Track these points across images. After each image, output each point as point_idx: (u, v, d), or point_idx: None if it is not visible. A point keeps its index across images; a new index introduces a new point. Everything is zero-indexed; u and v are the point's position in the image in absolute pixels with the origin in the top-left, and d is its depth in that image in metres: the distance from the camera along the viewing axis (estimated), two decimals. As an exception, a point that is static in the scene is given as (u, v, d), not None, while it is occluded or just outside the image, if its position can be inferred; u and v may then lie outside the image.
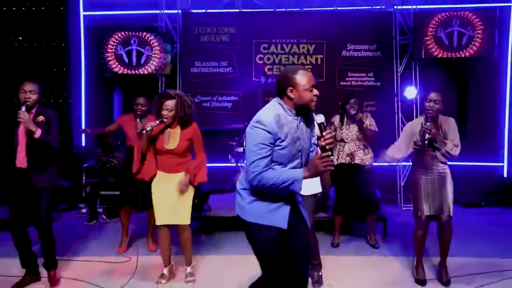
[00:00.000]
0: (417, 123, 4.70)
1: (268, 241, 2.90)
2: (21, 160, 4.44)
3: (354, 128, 5.83)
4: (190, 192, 4.75)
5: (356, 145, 5.84)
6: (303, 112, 2.98)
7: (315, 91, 2.93)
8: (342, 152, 5.87)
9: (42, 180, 4.51)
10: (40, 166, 4.50)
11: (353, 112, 5.75)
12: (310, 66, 8.92)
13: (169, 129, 4.67)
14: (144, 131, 4.59)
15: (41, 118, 4.50)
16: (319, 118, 2.86)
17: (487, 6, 8.75)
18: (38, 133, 4.35)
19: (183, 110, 4.59)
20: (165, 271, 4.80)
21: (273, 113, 2.86)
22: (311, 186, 4.39)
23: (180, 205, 4.68)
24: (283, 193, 2.89)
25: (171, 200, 4.65)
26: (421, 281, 4.63)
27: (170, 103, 4.58)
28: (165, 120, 4.59)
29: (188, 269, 4.84)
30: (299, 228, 3.05)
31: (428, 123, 4.47)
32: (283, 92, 2.92)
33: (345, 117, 5.88)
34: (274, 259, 2.93)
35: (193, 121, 4.75)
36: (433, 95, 4.58)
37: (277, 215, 2.89)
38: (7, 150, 4.47)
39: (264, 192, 2.87)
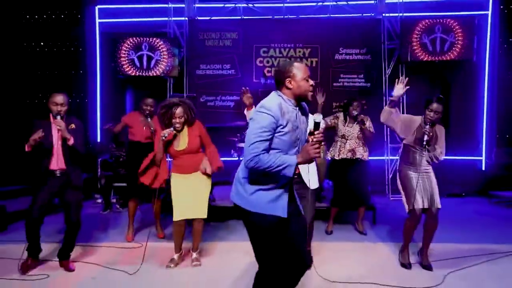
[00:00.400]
0: (417, 120, 4.60)
1: (269, 230, 2.83)
2: (57, 162, 4.42)
3: (355, 127, 5.84)
4: (208, 187, 4.74)
5: (357, 143, 5.84)
6: (300, 102, 2.94)
7: (311, 81, 2.90)
8: (343, 149, 5.85)
9: (76, 180, 4.55)
10: (75, 168, 4.53)
11: (355, 113, 5.76)
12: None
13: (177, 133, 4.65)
14: (163, 138, 4.49)
15: (73, 126, 4.52)
16: (318, 118, 2.83)
17: (467, 14, 8.73)
18: (72, 140, 4.40)
19: (192, 112, 4.59)
20: (175, 256, 4.77)
21: (276, 101, 2.82)
22: (315, 181, 4.36)
23: (199, 200, 4.65)
24: (281, 180, 2.82)
25: (190, 196, 4.62)
26: (406, 264, 4.61)
27: (179, 111, 4.51)
28: (177, 127, 4.54)
29: (194, 255, 4.81)
30: (297, 215, 3.01)
31: (428, 126, 4.42)
32: (282, 83, 2.89)
33: (348, 117, 5.89)
34: (274, 247, 2.86)
35: (196, 119, 4.73)
36: (435, 106, 4.43)
37: (277, 205, 2.82)
38: (37, 151, 4.38)
39: (260, 178, 2.81)
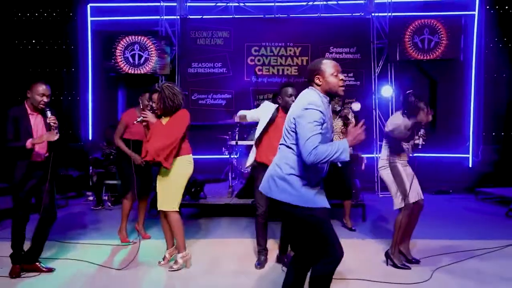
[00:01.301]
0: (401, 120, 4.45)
1: (321, 222, 2.85)
2: (38, 154, 4.20)
3: (338, 122, 5.78)
4: (176, 180, 4.43)
5: (340, 138, 5.80)
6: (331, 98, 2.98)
7: (341, 76, 2.92)
8: None
9: (54, 169, 4.32)
10: (53, 157, 4.28)
11: (338, 108, 5.71)
12: (296, 67, 8.92)
13: (162, 118, 4.51)
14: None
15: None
16: (357, 106, 2.87)
17: (454, 14, 8.78)
18: (58, 135, 4.16)
19: (161, 102, 4.40)
20: (166, 253, 4.64)
21: (318, 97, 2.85)
22: None
23: (166, 192, 4.44)
24: (322, 174, 2.90)
25: (161, 187, 4.48)
26: (405, 265, 4.51)
27: (155, 96, 4.56)
28: (156, 111, 4.56)
29: (178, 256, 4.46)
30: None
31: (422, 130, 4.38)
32: (312, 81, 2.92)
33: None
34: (330, 233, 2.87)
35: (179, 109, 4.47)
36: (425, 105, 4.39)
37: (322, 197, 2.89)
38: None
39: (309, 173, 2.84)
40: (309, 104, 2.78)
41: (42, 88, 4.20)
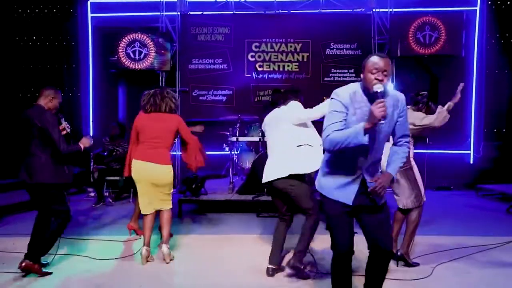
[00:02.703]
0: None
1: (334, 214, 2.92)
2: None
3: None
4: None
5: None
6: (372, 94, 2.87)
7: (377, 75, 2.81)
8: None
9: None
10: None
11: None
12: (297, 63, 8.90)
13: None
14: None
15: None
16: (380, 87, 2.79)
17: (456, 9, 8.74)
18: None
19: None
20: (163, 246, 4.55)
21: (351, 89, 2.90)
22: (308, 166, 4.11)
23: None
24: (350, 166, 2.87)
25: None
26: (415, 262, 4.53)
27: None
28: None
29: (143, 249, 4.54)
30: (371, 207, 2.96)
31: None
32: (362, 74, 2.95)
33: None
34: (338, 231, 2.96)
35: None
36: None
37: (344, 192, 2.88)
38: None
39: (334, 162, 2.92)
40: (333, 93, 2.89)
41: (59, 95, 4.36)
